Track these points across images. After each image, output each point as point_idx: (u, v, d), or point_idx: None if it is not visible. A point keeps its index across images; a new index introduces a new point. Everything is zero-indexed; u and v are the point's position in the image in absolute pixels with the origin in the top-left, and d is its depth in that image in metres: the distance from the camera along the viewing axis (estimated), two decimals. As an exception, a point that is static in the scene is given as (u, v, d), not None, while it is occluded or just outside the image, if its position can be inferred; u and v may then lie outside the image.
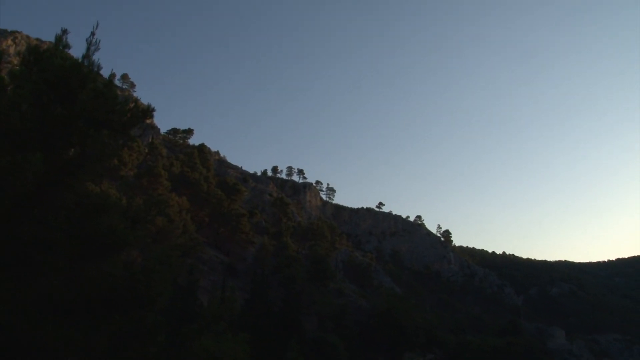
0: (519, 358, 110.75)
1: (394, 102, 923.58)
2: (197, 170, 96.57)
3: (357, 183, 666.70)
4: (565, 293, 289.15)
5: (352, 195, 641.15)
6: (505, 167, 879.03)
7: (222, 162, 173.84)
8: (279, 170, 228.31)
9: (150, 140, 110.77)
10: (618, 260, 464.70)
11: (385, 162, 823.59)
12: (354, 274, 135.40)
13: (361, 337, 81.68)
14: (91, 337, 11.90)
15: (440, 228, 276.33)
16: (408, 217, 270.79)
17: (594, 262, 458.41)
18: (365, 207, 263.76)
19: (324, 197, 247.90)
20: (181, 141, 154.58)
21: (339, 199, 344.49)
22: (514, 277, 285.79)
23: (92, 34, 12.54)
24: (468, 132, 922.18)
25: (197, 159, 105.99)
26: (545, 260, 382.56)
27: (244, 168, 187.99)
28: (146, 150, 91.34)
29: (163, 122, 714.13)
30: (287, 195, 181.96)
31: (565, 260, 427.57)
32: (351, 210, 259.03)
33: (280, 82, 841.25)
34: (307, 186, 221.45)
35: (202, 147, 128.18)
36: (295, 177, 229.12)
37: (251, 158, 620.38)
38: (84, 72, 12.19)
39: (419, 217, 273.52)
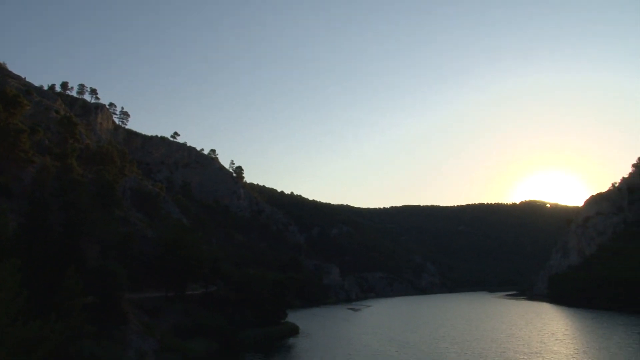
0: (297, 291, 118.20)
1: (197, 29, 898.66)
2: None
3: (153, 109, 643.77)
4: (343, 234, 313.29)
5: (146, 121, 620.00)
6: (301, 110, 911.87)
7: (2, 70, 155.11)
8: (69, 87, 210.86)
9: None
10: (392, 208, 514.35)
11: (184, 90, 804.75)
12: (142, 202, 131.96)
13: (145, 266, 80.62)
14: None
15: (234, 164, 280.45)
16: (202, 149, 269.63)
17: (372, 209, 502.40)
18: (159, 136, 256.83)
19: (116, 120, 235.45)
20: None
21: (133, 125, 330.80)
22: (299, 216, 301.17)
23: None
24: (268, 74, 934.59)
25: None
26: (329, 203, 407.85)
27: (27, 79, 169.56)
28: None
29: None
30: (76, 115, 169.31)
31: (347, 205, 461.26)
32: (144, 137, 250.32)
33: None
34: (99, 107, 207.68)
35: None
36: (87, 97, 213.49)
37: (37, 69, 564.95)
38: None
39: (213, 150, 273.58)
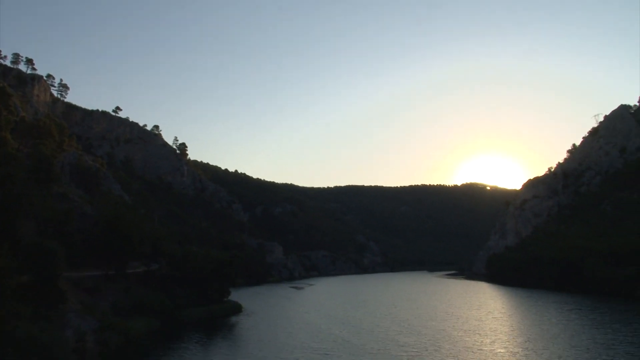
0: (240, 270, 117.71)
1: (139, 4, 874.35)
2: None
3: (94, 82, 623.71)
4: (287, 213, 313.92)
5: (87, 95, 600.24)
6: (246, 87, 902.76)
7: None
8: (2, 56, 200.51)
9: None
10: (336, 187, 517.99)
11: (126, 63, 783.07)
12: (82, 178, 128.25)
13: (85, 244, 78.49)
14: None
15: (177, 140, 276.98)
16: (145, 125, 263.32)
17: (315, 188, 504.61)
18: (100, 110, 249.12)
19: (55, 93, 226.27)
20: None
21: (72, 98, 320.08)
22: (243, 195, 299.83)
23: None
24: (212, 50, 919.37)
25: None
26: (273, 182, 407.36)
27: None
28: None
29: None
30: (11, 85, 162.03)
31: (291, 184, 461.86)
32: (85, 111, 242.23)
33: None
34: (35, 78, 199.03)
35: None
36: (23, 67, 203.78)
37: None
38: None
39: (156, 126, 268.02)
